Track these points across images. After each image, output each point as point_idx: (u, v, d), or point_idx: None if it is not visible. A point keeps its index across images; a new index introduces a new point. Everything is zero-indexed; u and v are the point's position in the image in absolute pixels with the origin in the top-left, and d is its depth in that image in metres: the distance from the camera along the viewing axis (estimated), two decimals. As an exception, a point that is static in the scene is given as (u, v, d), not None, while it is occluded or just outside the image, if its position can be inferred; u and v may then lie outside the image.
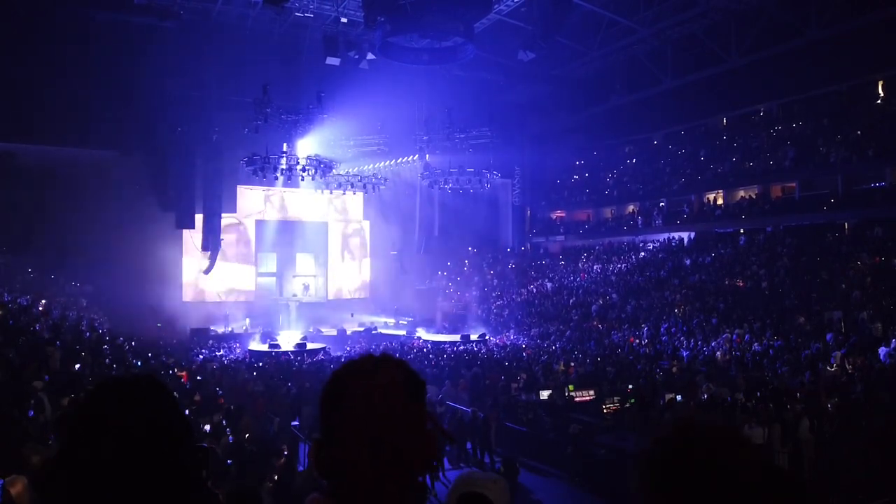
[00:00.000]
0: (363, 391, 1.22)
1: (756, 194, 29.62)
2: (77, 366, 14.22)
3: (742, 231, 29.28)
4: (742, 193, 30.61)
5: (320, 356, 25.11)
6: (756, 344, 19.59)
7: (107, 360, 16.44)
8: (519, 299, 33.24)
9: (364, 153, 33.26)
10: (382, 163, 34.17)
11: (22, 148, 26.92)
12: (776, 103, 30.92)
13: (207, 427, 11.82)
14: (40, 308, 20.61)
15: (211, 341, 27.95)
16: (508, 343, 27.26)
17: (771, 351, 18.71)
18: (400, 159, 34.41)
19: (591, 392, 16.52)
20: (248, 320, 31.90)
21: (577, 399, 16.24)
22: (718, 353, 20.09)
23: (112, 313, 25.57)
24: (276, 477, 9.52)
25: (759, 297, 23.14)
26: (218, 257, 33.23)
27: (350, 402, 1.21)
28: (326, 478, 1.21)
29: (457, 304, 35.22)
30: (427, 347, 26.74)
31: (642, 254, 32.45)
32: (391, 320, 34.42)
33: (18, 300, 20.30)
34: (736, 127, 33.15)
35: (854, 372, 15.94)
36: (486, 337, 28.86)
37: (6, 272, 24.79)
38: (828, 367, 16.60)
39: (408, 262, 37.65)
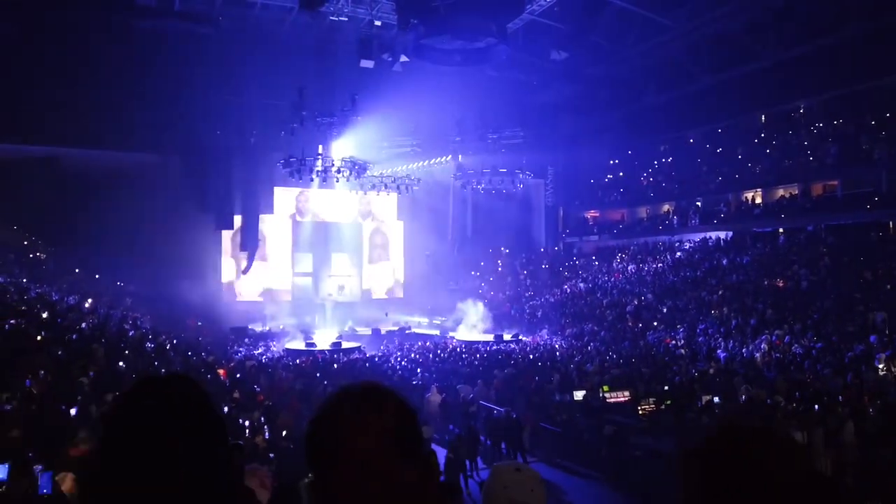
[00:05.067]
0: (343, 452, 1.10)
1: (796, 193, 28.98)
2: (121, 363, 14.65)
3: (781, 230, 28.67)
4: (781, 192, 29.97)
5: (355, 355, 25.39)
6: (797, 346, 19.20)
7: (149, 358, 16.89)
8: (552, 299, 33.08)
9: (398, 154, 33.51)
10: (416, 164, 34.36)
11: (66, 152, 27.74)
12: (817, 100, 30.17)
13: (247, 423, 12.08)
14: (86, 307, 21.26)
15: (248, 339, 28.44)
16: (542, 343, 27.18)
17: (814, 352, 18.29)
18: (433, 160, 34.55)
19: (626, 393, 16.38)
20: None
21: (611, 400, 16.12)
22: (757, 354, 19.74)
23: (154, 312, 26.22)
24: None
25: (800, 297, 22.65)
26: (256, 257, 33.83)
27: (330, 462, 1.10)
28: None
29: (490, 305, 35.20)
30: (461, 347, 26.80)
31: (678, 254, 32.00)
32: (425, 319, 34.60)
33: (66, 299, 20.97)
34: (775, 124, 32.42)
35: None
36: (520, 337, 28.82)
37: (54, 272, 25.62)
38: (879, 370, 16.17)
39: (442, 262, 37.75)
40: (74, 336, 15.61)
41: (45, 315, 16.75)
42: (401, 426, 1.14)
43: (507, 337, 28.49)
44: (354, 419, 1.12)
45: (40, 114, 24.98)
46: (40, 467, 6.86)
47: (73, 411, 10.04)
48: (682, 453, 1.25)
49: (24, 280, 21.59)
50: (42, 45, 24.95)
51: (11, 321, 14.13)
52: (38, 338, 13.83)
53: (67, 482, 6.22)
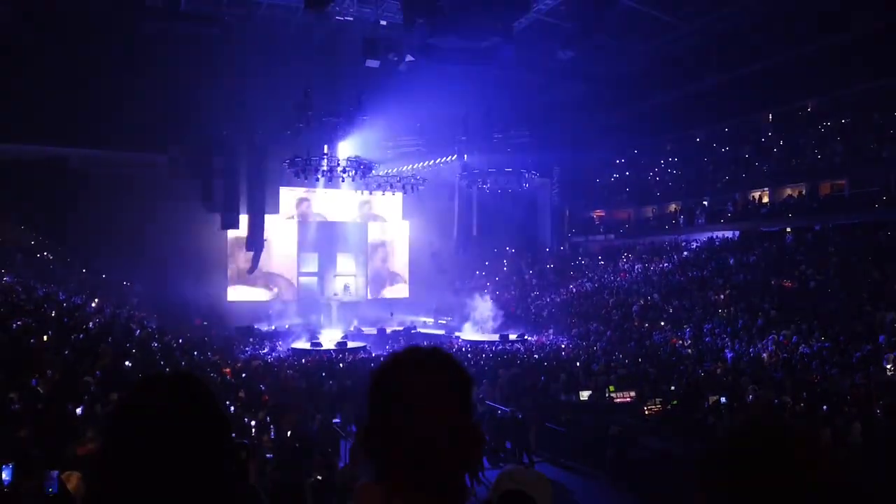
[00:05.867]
0: (401, 397, 1.21)
1: (803, 192, 28.84)
2: (127, 363, 14.69)
3: (789, 230, 28.53)
4: (789, 191, 29.84)
5: (361, 355, 25.41)
6: (804, 346, 19.10)
7: (155, 357, 16.93)
8: (558, 299, 33.02)
9: (403, 154, 33.54)
10: (421, 163, 34.35)
11: (73, 152, 27.86)
12: (824, 98, 29.98)
13: (253, 423, 12.10)
14: (93, 306, 21.34)
15: (254, 339, 28.50)
16: (547, 343, 27.13)
17: (824, 352, 18.19)
18: (438, 160, 34.53)
19: (633, 393, 16.34)
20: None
21: (617, 400, 16.09)
22: (764, 354, 19.65)
23: (160, 311, 26.31)
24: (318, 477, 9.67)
25: (807, 297, 22.54)
26: (261, 257, 33.89)
27: (389, 406, 1.21)
28: (375, 462, 1.22)
29: (495, 304, 35.18)
30: (466, 347, 26.78)
31: (685, 253, 31.89)
32: (430, 319, 34.58)
33: (73, 298, 21.05)
34: (782, 123, 32.25)
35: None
36: (525, 337, 28.77)
37: (61, 271, 25.72)
38: (887, 370, 16.06)
39: (447, 261, 37.74)
40: (81, 336, 15.65)
41: (52, 314, 16.82)
42: (460, 385, 1.26)
43: (512, 337, 28.46)
44: (418, 369, 1.25)
45: (47, 113, 25.06)
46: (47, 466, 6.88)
47: (78, 410, 10.07)
48: (704, 453, 1.23)
49: (31, 280, 21.68)
50: (49, 44, 25.04)
51: (18, 321, 14.18)
52: (45, 337, 13.87)
53: (73, 481, 6.23)
